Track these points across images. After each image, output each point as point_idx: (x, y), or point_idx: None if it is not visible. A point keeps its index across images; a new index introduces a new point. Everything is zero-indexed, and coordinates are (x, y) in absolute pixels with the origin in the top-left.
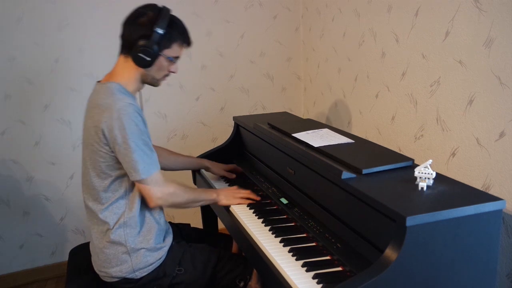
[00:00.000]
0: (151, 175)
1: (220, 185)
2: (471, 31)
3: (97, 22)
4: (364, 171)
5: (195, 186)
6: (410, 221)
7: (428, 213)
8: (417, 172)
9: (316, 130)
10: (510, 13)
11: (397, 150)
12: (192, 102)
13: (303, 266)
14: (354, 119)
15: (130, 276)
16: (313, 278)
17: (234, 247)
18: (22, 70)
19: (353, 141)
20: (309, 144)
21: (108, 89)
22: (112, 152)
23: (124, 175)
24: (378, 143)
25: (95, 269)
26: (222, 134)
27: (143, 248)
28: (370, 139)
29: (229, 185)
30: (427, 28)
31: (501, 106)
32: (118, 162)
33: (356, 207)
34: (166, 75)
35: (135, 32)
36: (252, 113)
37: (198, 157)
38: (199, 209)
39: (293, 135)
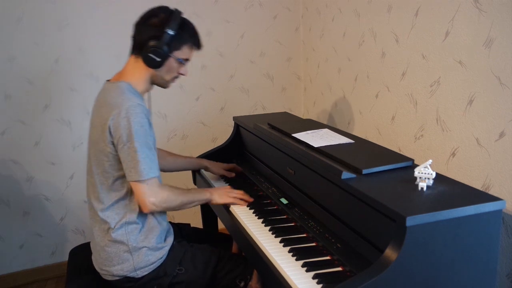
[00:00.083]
0: (150, 178)
1: (220, 184)
2: (471, 31)
3: (97, 22)
4: (364, 171)
5: (195, 187)
6: (410, 221)
7: (428, 213)
8: (417, 172)
9: (316, 130)
10: (510, 13)
11: (397, 150)
12: (192, 102)
13: (303, 266)
14: (354, 119)
15: (131, 274)
16: (313, 278)
17: (234, 247)
18: (22, 70)
19: (353, 141)
20: (309, 144)
21: (119, 88)
22: (116, 151)
23: None
24: (378, 143)
25: (96, 267)
26: (222, 134)
27: (145, 247)
28: (370, 139)
29: (229, 185)
30: (427, 28)
31: (501, 106)
32: (120, 162)
33: (356, 207)
34: (176, 77)
35: (146, 33)
36: (252, 113)
37: (198, 157)
38: (199, 209)
39: (293, 135)
